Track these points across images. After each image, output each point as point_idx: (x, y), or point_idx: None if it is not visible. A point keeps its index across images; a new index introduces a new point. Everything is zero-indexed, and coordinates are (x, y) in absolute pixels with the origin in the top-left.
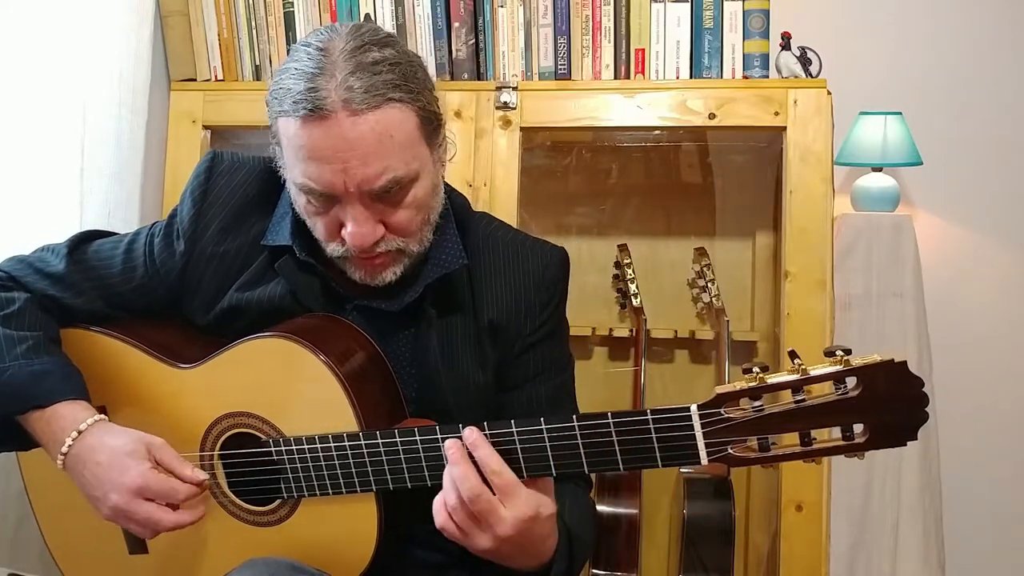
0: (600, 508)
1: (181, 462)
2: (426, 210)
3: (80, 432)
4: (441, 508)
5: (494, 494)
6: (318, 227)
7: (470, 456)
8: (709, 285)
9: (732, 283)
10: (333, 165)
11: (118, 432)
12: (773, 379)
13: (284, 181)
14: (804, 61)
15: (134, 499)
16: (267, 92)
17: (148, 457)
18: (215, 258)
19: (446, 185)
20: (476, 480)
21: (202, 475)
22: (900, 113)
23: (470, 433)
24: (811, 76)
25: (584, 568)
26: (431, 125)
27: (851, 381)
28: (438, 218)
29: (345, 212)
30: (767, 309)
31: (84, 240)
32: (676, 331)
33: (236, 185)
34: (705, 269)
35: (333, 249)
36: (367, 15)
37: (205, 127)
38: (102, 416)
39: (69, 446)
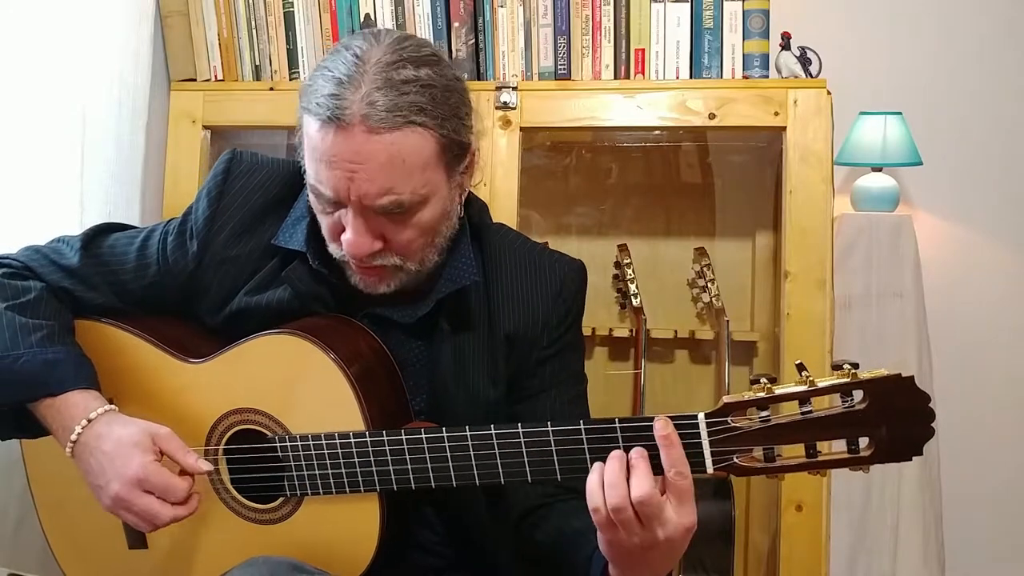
0: None
1: (185, 451)
2: (431, 234)
3: (90, 421)
4: (600, 500)
5: (663, 495)
6: (324, 226)
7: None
8: (709, 285)
9: (732, 283)
10: (340, 172)
11: (126, 422)
12: (781, 390)
13: (303, 184)
14: (804, 61)
15: (134, 490)
16: (302, 82)
17: (153, 449)
18: (227, 262)
19: (468, 194)
20: (645, 474)
21: (206, 465)
22: (900, 113)
23: (664, 426)
24: (811, 76)
25: None
26: (452, 152)
27: (858, 394)
28: (447, 241)
29: (347, 219)
30: (767, 309)
31: (100, 233)
32: (676, 331)
33: (254, 187)
34: (705, 269)
35: (334, 250)
36: (367, 15)
37: (205, 127)
38: (112, 406)
39: (79, 434)
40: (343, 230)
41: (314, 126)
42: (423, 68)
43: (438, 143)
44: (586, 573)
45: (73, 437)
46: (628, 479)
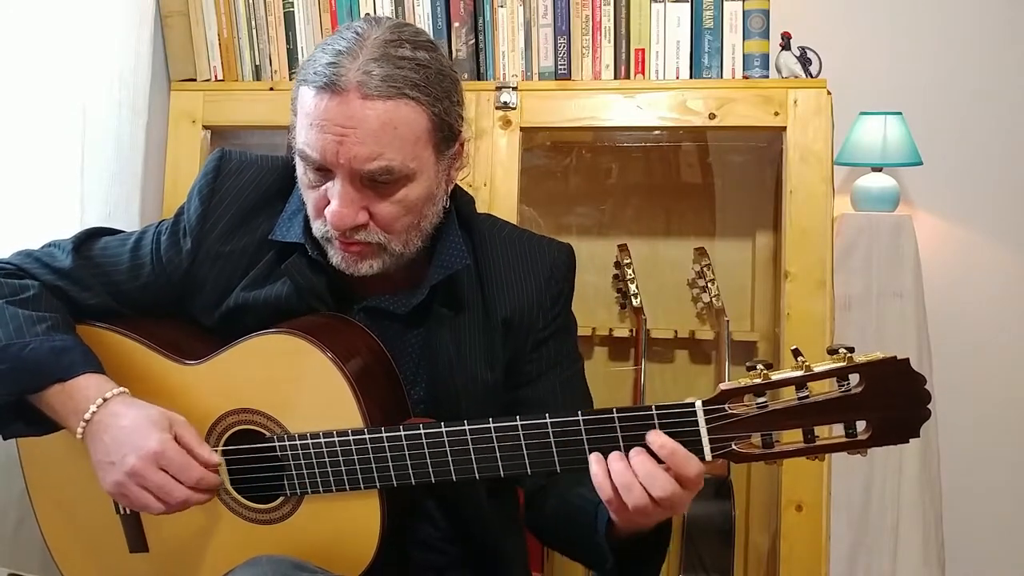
0: None
1: (200, 442)
2: (416, 214)
3: (105, 400)
4: (609, 492)
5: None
6: (309, 201)
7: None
8: (709, 285)
9: (732, 283)
10: (331, 135)
11: (144, 403)
12: (777, 375)
13: (295, 180)
14: (804, 61)
15: (150, 465)
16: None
17: (170, 430)
18: (221, 257)
19: (454, 187)
20: (665, 478)
21: (217, 457)
22: (900, 113)
23: (656, 437)
24: (811, 76)
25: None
26: (442, 133)
27: (854, 378)
28: (431, 227)
29: (334, 189)
30: (767, 309)
31: (91, 236)
32: (676, 331)
33: (245, 184)
34: (705, 269)
35: (318, 227)
36: (367, 14)
37: (205, 127)
38: (125, 389)
39: (93, 412)
40: (328, 204)
41: (310, 94)
42: (420, 51)
43: (430, 120)
44: (593, 528)
45: (87, 416)
46: (638, 478)
